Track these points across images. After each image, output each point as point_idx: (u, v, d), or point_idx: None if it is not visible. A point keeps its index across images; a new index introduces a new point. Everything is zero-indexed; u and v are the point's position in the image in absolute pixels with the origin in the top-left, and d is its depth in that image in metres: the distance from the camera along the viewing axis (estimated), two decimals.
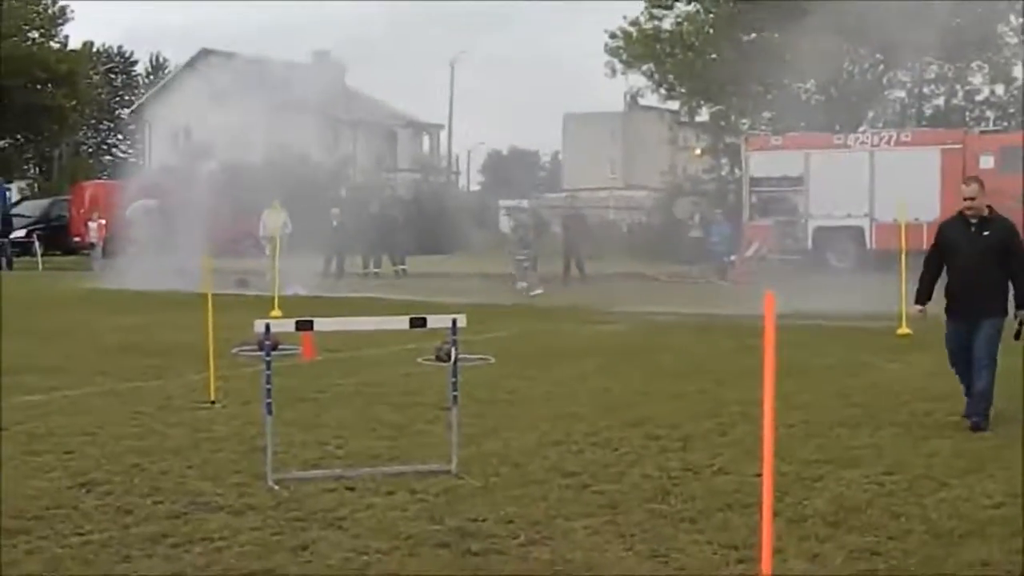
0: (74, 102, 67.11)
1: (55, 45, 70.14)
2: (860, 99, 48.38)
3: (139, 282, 31.64)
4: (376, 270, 38.48)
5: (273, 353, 9.28)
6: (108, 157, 79.64)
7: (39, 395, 13.20)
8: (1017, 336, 11.06)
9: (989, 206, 11.47)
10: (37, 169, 76.36)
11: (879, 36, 41.29)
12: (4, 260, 43.54)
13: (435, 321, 9.74)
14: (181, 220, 41.58)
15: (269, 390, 9.04)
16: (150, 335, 19.62)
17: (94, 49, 79.04)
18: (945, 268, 11.56)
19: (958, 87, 49.44)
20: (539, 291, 30.69)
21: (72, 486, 8.94)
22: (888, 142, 38.10)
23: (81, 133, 72.52)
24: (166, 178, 57.69)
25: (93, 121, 74.81)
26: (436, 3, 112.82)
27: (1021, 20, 45.97)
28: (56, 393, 13.36)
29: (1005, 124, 44.64)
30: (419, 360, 15.80)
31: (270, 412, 9.07)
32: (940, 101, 50.07)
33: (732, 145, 48.06)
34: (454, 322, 9.37)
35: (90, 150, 75.51)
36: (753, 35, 48.70)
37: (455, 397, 9.56)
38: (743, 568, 7.01)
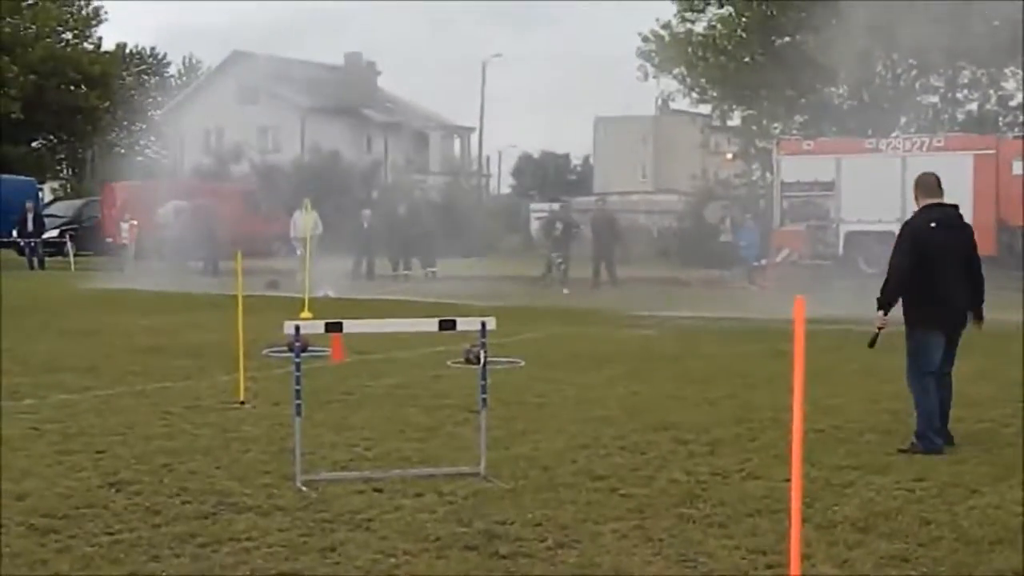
0: (107, 103, 67.43)
1: (88, 46, 70.47)
2: (893, 104, 48.18)
3: (170, 283, 31.76)
4: (406, 272, 38.53)
5: (303, 355, 9.30)
6: (141, 158, 79.94)
7: (72, 394, 13.28)
8: (871, 343, 10.73)
9: (936, 205, 10.69)
10: (70, 170, 76.70)
11: (912, 41, 41.12)
12: (36, 260, 43.75)
13: (464, 323, 9.74)
14: (212, 221, 41.86)
15: (298, 391, 9.06)
16: (180, 336, 19.68)
17: (127, 51, 79.43)
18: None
19: (991, 92, 49.22)
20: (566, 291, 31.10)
21: (102, 485, 8.98)
22: (920, 147, 37.88)
23: (114, 134, 72.82)
24: (198, 180, 58.09)
25: (126, 122, 75.11)
26: (468, 5, 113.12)
27: None
28: (88, 393, 13.43)
29: None
30: (448, 363, 15.81)
31: (299, 413, 9.09)
32: (973, 106, 49.88)
33: (764, 149, 47.94)
34: (483, 325, 9.37)
35: (123, 151, 75.78)
36: (786, 39, 48.60)
37: (484, 400, 9.57)
38: (772, 573, 7.00)
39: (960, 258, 10.64)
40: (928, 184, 10.73)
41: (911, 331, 10.62)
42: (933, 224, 10.54)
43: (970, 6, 36.96)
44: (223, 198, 48.08)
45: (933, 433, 10.42)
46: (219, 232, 41.21)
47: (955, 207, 10.75)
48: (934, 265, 10.44)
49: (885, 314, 10.57)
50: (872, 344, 10.74)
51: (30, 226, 44.68)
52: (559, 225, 36.54)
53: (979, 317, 10.81)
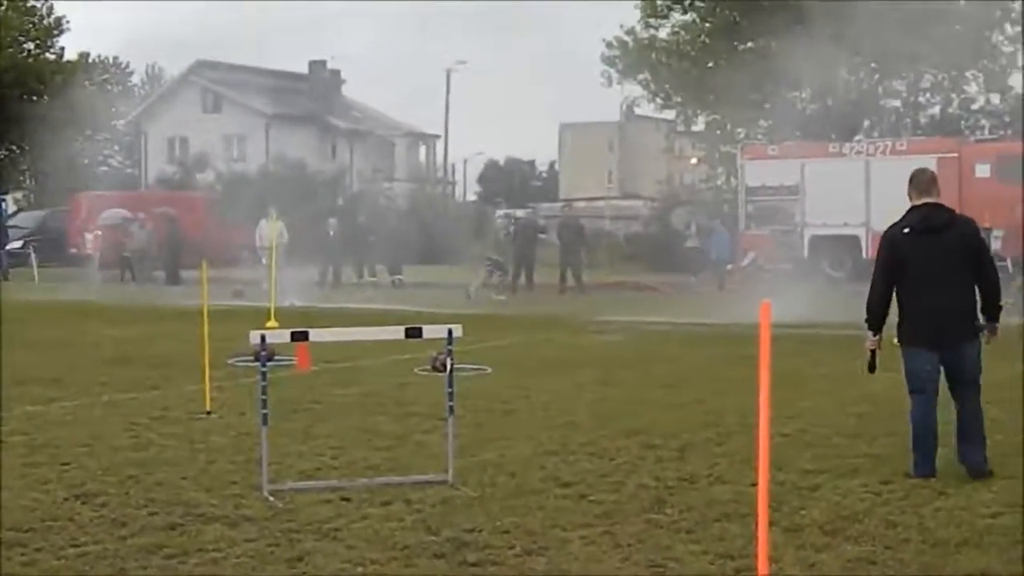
0: (69, 113, 67.13)
1: (51, 56, 70.11)
2: (856, 108, 48.42)
3: (134, 293, 31.59)
4: (372, 280, 38.46)
5: (269, 364, 9.27)
6: (104, 168, 79.58)
7: (38, 406, 13.21)
8: (869, 368, 9.95)
9: (920, 207, 9.94)
10: (33, 180, 76.27)
11: (875, 45, 41.35)
12: (0, 272, 43.45)
13: (431, 331, 9.73)
14: (173, 230, 41.79)
15: (265, 401, 9.04)
16: (146, 346, 19.60)
17: (90, 60, 79.05)
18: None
19: (954, 96, 49.54)
20: (502, 297, 31.13)
21: (68, 498, 8.93)
22: (884, 151, 38.10)
23: (77, 144, 72.52)
24: (162, 189, 57.89)
25: (89, 132, 74.78)
26: (432, 13, 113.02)
27: (1017, 29, 46.05)
28: (54, 404, 13.36)
29: (1001, 132, 44.69)
30: (415, 370, 15.80)
31: (265, 423, 9.07)
32: (936, 110, 50.17)
33: (728, 154, 48.13)
34: (450, 332, 9.36)
35: (86, 161, 75.44)
36: (749, 44, 48.78)
37: (451, 407, 9.56)
38: None
39: (945, 264, 9.60)
40: (917, 182, 9.90)
41: (902, 347, 9.86)
42: (906, 230, 9.75)
43: (932, 10, 37.19)
44: (187, 207, 48.00)
45: (921, 456, 9.74)
46: (182, 241, 41.17)
47: (940, 207, 9.84)
48: (911, 274, 9.67)
49: (875, 334, 9.85)
50: (871, 369, 9.93)
51: None
52: (511, 230, 36.61)
53: (991, 327, 9.82)
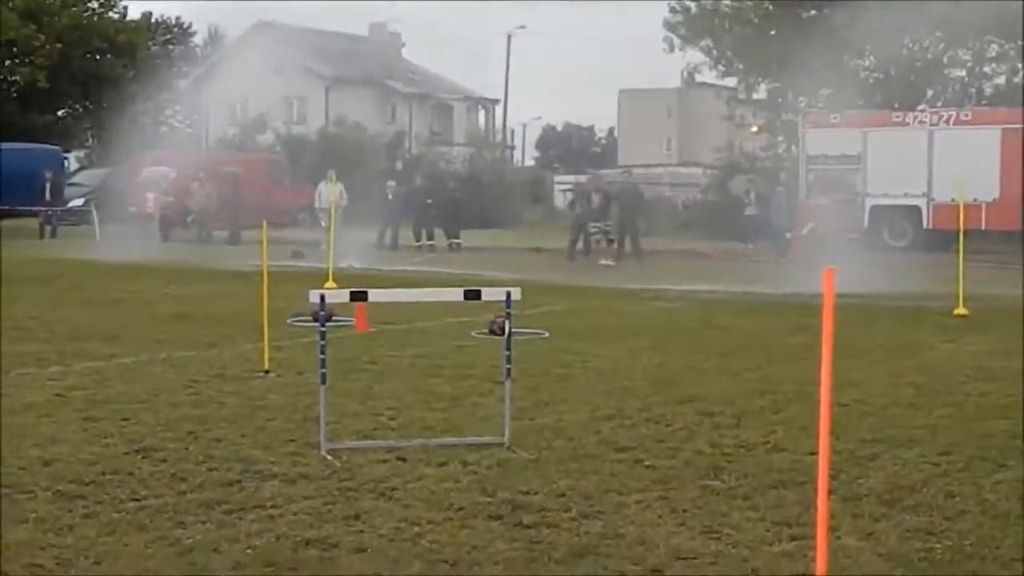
0: (132, 73, 67.49)
1: (114, 15, 70.44)
2: (919, 77, 47.96)
3: (194, 252, 31.79)
4: (430, 243, 38.53)
5: (327, 324, 9.30)
6: (165, 128, 79.94)
7: (98, 362, 13.33)
8: None
9: None
10: (95, 139, 76.79)
11: (940, 14, 40.88)
12: (51, 229, 43.86)
13: (489, 294, 9.73)
14: (236, 191, 42.03)
15: (323, 360, 9.08)
16: (205, 305, 19.73)
17: (153, 20, 79.36)
18: None
19: (1020, 66, 48.91)
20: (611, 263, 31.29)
21: (128, 452, 9.01)
22: (947, 121, 37.75)
23: (139, 104, 72.89)
24: (222, 150, 58.18)
25: (151, 92, 75.14)
26: None
27: None
28: (114, 360, 13.47)
29: None
30: (473, 333, 15.82)
31: (324, 382, 9.11)
32: (1001, 80, 49.57)
33: (789, 122, 47.78)
34: (508, 295, 9.36)
35: (148, 121, 75.76)
36: (812, 12, 48.34)
37: (508, 370, 9.57)
38: (796, 545, 6.98)
39: None
40: None
41: None
42: None
43: None
44: (248, 168, 48.26)
45: None
46: (243, 201, 41.46)
47: None
48: None
49: None
50: None
51: (48, 195, 44.77)
52: (595, 196, 36.34)
53: None
